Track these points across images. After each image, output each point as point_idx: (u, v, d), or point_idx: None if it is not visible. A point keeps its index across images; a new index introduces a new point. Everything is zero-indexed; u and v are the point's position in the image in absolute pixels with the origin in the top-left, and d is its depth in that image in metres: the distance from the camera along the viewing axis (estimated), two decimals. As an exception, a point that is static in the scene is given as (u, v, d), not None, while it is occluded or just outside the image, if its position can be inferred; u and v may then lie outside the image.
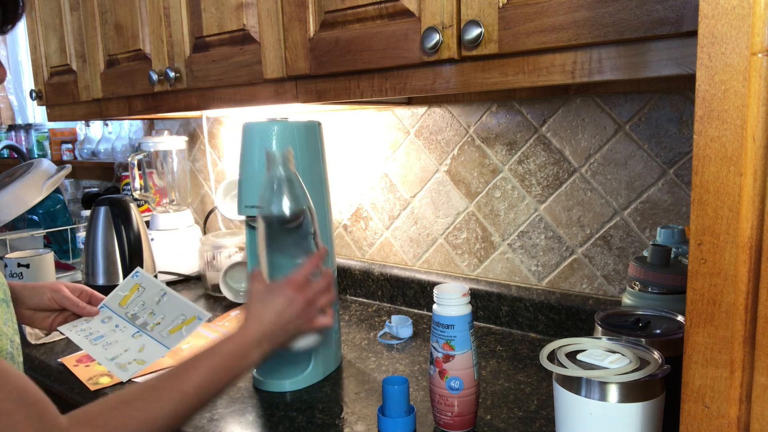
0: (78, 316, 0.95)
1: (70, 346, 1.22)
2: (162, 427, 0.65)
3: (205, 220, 1.84)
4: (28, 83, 3.03)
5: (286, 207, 0.81)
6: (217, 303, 1.49)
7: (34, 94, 1.70)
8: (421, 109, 1.34)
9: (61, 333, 0.92)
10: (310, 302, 0.79)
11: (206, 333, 1.25)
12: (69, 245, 1.90)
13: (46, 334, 1.27)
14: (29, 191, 1.69)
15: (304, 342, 0.82)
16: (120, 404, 0.64)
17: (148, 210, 1.84)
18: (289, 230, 0.81)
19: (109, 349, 0.87)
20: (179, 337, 0.88)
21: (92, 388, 1.02)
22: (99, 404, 0.64)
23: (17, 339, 0.77)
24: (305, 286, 0.79)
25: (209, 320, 1.36)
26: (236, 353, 0.74)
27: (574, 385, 0.64)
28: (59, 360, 1.14)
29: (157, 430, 0.64)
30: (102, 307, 0.95)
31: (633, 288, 0.87)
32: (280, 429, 0.88)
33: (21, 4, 0.71)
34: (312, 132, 1.01)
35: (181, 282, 1.68)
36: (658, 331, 0.74)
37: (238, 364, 0.73)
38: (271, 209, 0.81)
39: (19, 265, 1.43)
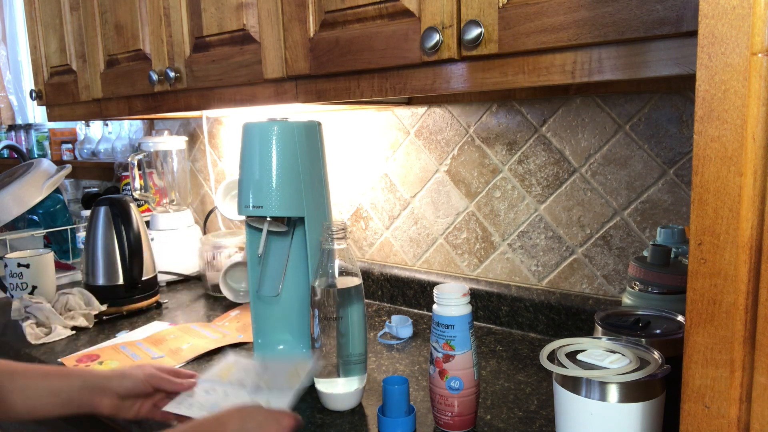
0: (172, 396, 0.87)
1: (70, 346, 1.23)
2: None
3: (205, 220, 1.84)
4: (28, 83, 3.03)
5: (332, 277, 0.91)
6: (217, 303, 1.49)
7: (34, 94, 1.70)
8: (421, 109, 1.34)
9: (171, 414, 0.85)
10: None
11: (207, 333, 1.25)
12: (69, 245, 1.90)
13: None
14: (29, 191, 1.69)
15: None
16: None
17: (148, 210, 1.84)
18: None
19: None
20: (297, 379, 0.85)
21: (92, 388, 1.02)
22: None
23: None
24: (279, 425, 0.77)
25: (209, 320, 1.36)
26: None
27: (574, 385, 0.64)
28: (59, 360, 1.14)
29: None
30: (200, 381, 0.89)
31: (633, 288, 0.87)
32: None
33: None
34: (312, 132, 1.01)
35: (181, 282, 1.68)
36: (658, 331, 0.74)
37: None
38: (319, 275, 0.92)
39: (19, 265, 1.43)
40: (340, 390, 0.92)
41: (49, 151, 2.66)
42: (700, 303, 0.44)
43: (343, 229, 0.91)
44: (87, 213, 1.75)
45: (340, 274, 0.91)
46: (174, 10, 1.23)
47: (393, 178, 1.41)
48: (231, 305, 1.46)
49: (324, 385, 0.92)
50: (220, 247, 1.53)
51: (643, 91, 1.05)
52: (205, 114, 1.77)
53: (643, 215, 1.08)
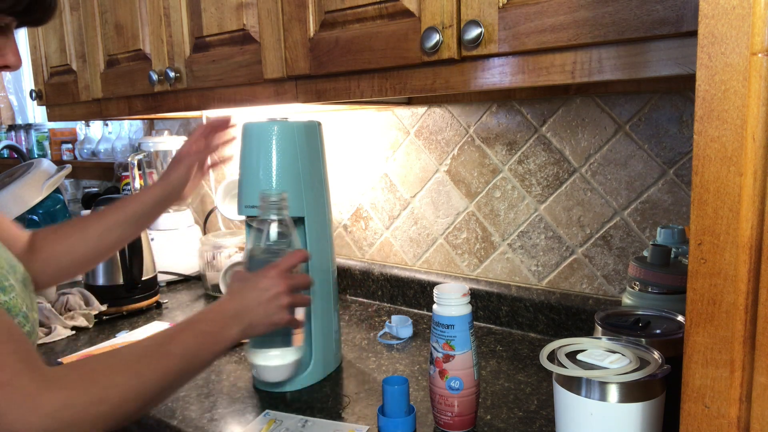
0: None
1: (70, 346, 1.23)
2: (143, 398, 0.64)
3: (205, 220, 1.84)
4: (28, 83, 3.03)
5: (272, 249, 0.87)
6: (217, 303, 1.49)
7: (34, 94, 1.70)
8: (421, 109, 1.34)
9: None
10: (288, 289, 0.81)
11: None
12: (69, 245, 1.90)
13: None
14: (29, 191, 1.69)
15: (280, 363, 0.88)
16: (107, 369, 0.63)
17: (148, 210, 1.84)
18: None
19: None
20: None
21: (92, 388, 1.02)
22: (86, 364, 0.63)
23: (35, 315, 0.77)
24: (285, 275, 0.82)
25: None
26: (216, 322, 0.75)
27: (574, 385, 0.64)
28: (59, 360, 1.14)
29: (137, 399, 0.63)
30: None
31: (633, 288, 0.87)
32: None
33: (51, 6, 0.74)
34: (312, 132, 1.01)
35: (181, 282, 1.68)
36: (658, 331, 0.74)
37: (218, 334, 0.74)
38: (259, 245, 0.87)
39: (19, 265, 1.42)
40: (275, 362, 0.89)
41: (49, 151, 2.66)
42: (700, 303, 0.44)
43: (282, 199, 0.86)
44: (87, 213, 1.75)
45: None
46: (174, 10, 1.23)
47: (393, 178, 1.41)
48: (231, 305, 1.46)
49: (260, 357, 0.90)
50: (220, 247, 1.53)
51: (643, 91, 1.05)
52: (205, 114, 1.76)
53: (643, 215, 1.08)
